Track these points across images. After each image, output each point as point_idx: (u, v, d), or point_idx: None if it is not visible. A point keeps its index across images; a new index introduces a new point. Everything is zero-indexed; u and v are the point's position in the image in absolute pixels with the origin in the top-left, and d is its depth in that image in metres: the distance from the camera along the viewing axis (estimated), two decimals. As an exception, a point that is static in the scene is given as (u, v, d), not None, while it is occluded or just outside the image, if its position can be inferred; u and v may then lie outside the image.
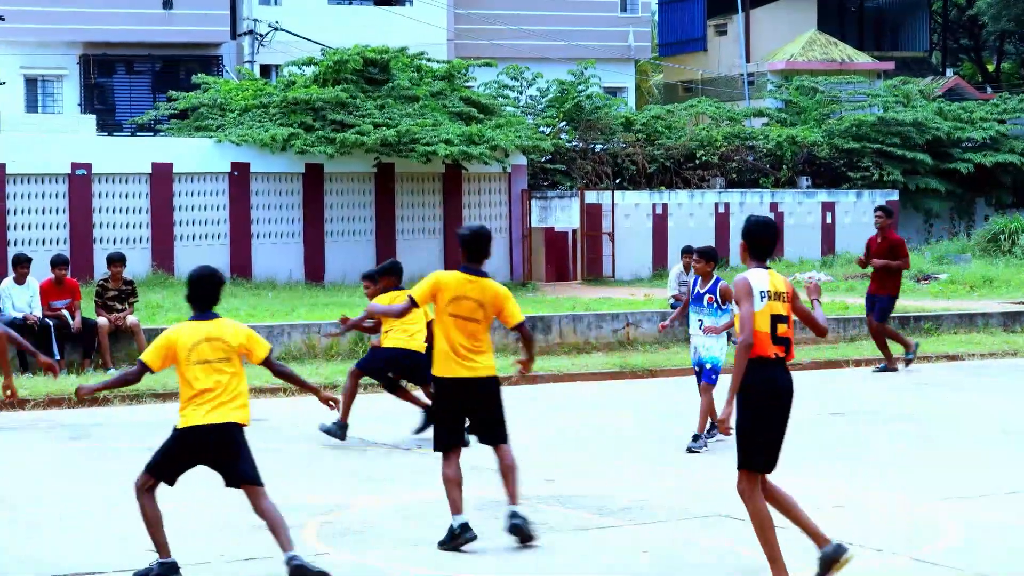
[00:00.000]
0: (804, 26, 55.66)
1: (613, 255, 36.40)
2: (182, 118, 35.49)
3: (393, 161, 32.70)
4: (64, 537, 10.96)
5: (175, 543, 9.90)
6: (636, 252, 36.89)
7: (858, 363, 23.05)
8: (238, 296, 27.60)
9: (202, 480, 12.79)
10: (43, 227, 29.33)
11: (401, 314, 11.06)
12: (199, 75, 36.56)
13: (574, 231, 36.46)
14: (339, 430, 15.33)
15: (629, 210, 37.03)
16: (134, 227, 30.22)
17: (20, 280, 21.07)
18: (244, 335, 9.66)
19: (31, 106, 43.65)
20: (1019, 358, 24.16)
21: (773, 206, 39.03)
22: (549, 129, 39.24)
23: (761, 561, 9.34)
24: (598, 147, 39.87)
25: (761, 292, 9.15)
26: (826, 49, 53.67)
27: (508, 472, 10.72)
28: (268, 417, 17.99)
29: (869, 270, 22.35)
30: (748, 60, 54.29)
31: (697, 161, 40.60)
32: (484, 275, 10.70)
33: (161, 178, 30.52)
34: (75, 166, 29.60)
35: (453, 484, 10.50)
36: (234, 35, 45.74)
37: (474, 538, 10.41)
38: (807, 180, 41.88)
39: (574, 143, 39.72)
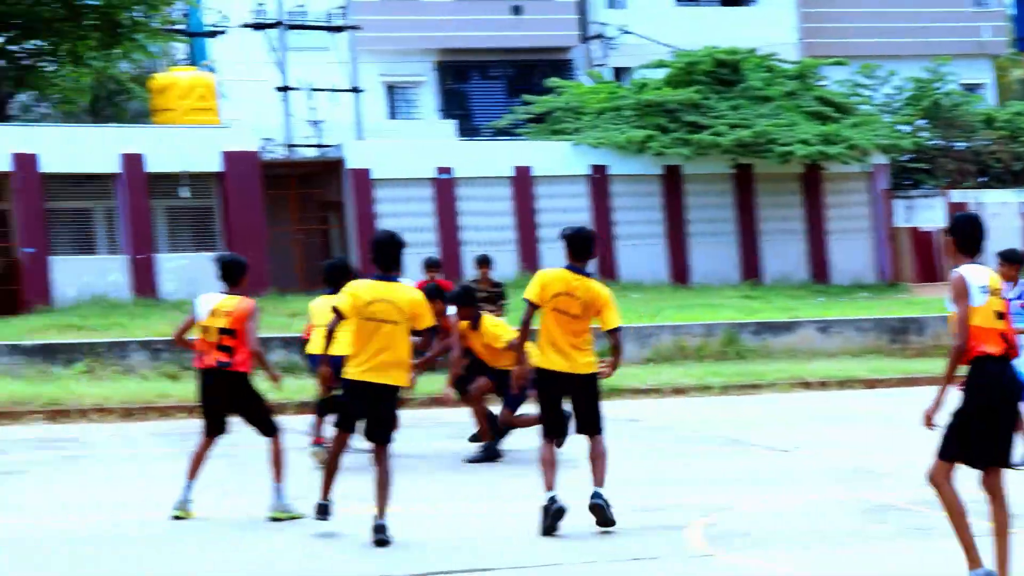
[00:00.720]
0: None
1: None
2: (538, 122, 36.00)
3: (751, 162, 32.51)
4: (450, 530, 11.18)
5: (556, 543, 10.16)
6: (1008, 252, 35.62)
7: None
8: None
9: (576, 481, 12.92)
10: (411, 230, 30.12)
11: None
12: (552, 78, 37.01)
13: (940, 231, 35.60)
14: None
15: (996, 209, 35.93)
16: (499, 229, 30.80)
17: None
18: (416, 302, 10.61)
19: (392, 113, 44.94)
20: None
21: None
22: (907, 128, 38.37)
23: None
24: (959, 145, 38.83)
25: (981, 287, 8.69)
26: None
27: (598, 459, 10.94)
28: (640, 418, 18.16)
29: None
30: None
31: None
32: (588, 275, 10.95)
33: (522, 181, 31.03)
34: (439, 170, 30.35)
35: (548, 465, 10.79)
36: (583, 39, 46.16)
37: (561, 510, 10.60)
38: None
39: (934, 141, 38.78)
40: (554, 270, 10.98)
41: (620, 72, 44.58)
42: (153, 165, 27.42)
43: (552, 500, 10.69)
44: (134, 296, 26.65)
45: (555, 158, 31.61)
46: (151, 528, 11.14)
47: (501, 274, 26.32)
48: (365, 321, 10.64)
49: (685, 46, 36.55)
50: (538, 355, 10.96)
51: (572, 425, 11.18)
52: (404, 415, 14.45)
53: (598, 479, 10.90)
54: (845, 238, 34.20)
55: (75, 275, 26.59)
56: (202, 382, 11.74)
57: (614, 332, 11.01)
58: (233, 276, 11.81)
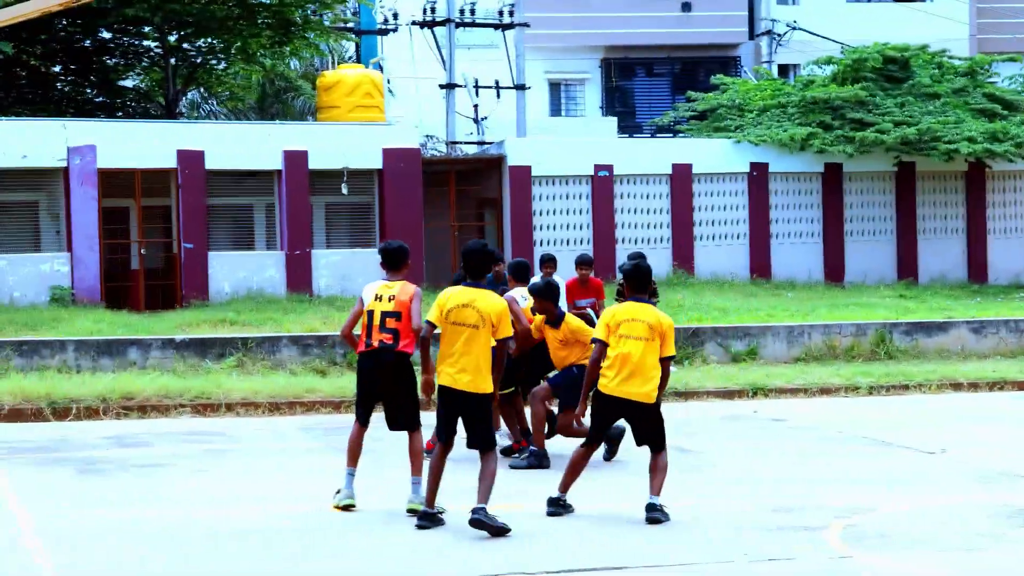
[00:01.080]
0: None
1: None
2: (701, 119, 35.87)
3: (914, 160, 32.02)
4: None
5: (692, 543, 10.15)
6: None
7: None
8: (757, 296, 27.70)
9: (715, 480, 12.92)
10: (567, 227, 30.27)
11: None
12: (717, 76, 36.86)
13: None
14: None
15: None
16: (654, 227, 30.77)
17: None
18: (499, 310, 11.19)
19: (554, 110, 45.10)
20: None
21: None
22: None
23: None
24: None
25: None
26: None
27: (656, 471, 11.53)
28: (786, 417, 18.08)
29: None
30: None
31: None
32: (650, 303, 11.62)
33: (681, 179, 30.95)
34: (597, 167, 30.39)
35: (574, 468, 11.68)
36: (752, 35, 45.86)
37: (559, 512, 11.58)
38: None
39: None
40: (621, 305, 11.68)
41: (786, 69, 44.21)
42: (315, 162, 27.88)
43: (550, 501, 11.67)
44: (288, 292, 27.14)
45: (715, 155, 31.46)
46: (294, 521, 11.47)
47: (654, 272, 26.23)
48: (451, 325, 11.16)
49: (855, 43, 36.10)
50: (604, 381, 11.53)
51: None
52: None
53: (655, 488, 11.54)
54: (1006, 237, 33.49)
55: (232, 270, 27.18)
56: (363, 366, 12.01)
57: (667, 360, 11.55)
58: (396, 262, 12.14)
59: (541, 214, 30.11)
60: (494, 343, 11.33)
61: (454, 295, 11.25)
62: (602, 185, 30.36)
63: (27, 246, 26.45)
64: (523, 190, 29.86)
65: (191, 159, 26.96)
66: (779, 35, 44.44)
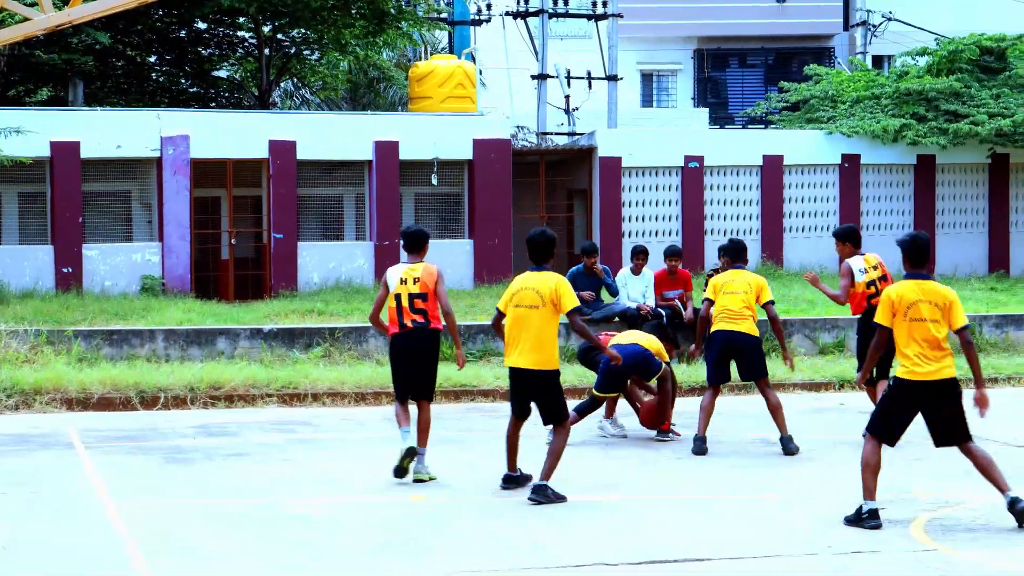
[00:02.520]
0: None
1: None
2: (793, 110, 35.62)
3: (1008, 152, 31.61)
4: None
5: (777, 535, 10.11)
6: None
7: None
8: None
9: (800, 472, 12.87)
10: (656, 219, 30.17)
11: None
12: (810, 67, 36.60)
13: None
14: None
15: None
16: (744, 219, 30.59)
17: (636, 271, 21.75)
18: (553, 286, 11.81)
19: (646, 100, 45.03)
20: None
21: None
22: None
23: None
24: None
25: None
26: None
27: (987, 469, 10.97)
28: (844, 401, 17.99)
29: None
30: None
31: None
32: (930, 278, 11.07)
33: (772, 170, 30.75)
34: (688, 159, 30.26)
35: (870, 469, 10.97)
36: (846, 26, 45.49)
37: (878, 526, 10.73)
38: None
39: None
40: (903, 283, 11.07)
41: (880, 60, 43.81)
42: (406, 152, 27.98)
43: (872, 514, 10.97)
44: (377, 282, 27.23)
45: (806, 147, 31.21)
46: (380, 511, 11.70)
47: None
48: (514, 309, 11.86)
49: (950, 33, 35.68)
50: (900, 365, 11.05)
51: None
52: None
53: (999, 485, 11.07)
54: (1102, 229, 32.98)
55: (321, 260, 27.35)
56: (398, 346, 12.82)
57: (962, 331, 11.06)
58: (416, 245, 13.08)
59: (631, 205, 30.03)
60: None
61: (518, 280, 12.11)
62: (692, 176, 30.23)
63: (119, 236, 26.76)
64: (613, 181, 29.80)
65: (283, 149, 27.16)
66: (874, 26, 44.07)
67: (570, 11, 36.58)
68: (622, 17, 36.43)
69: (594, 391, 15.12)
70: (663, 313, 21.46)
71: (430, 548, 10.32)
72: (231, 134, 27.07)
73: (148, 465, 13.91)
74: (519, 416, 12.26)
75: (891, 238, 31.11)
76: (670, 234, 29.83)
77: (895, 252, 32.52)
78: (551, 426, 12.17)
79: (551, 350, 11.88)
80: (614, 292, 21.41)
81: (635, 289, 21.64)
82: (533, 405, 12.15)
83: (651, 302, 21.58)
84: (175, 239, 26.42)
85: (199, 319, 22.06)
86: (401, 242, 13.19)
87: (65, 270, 25.79)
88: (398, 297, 12.76)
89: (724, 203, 30.51)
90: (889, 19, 43.36)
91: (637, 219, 29.99)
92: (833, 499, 11.95)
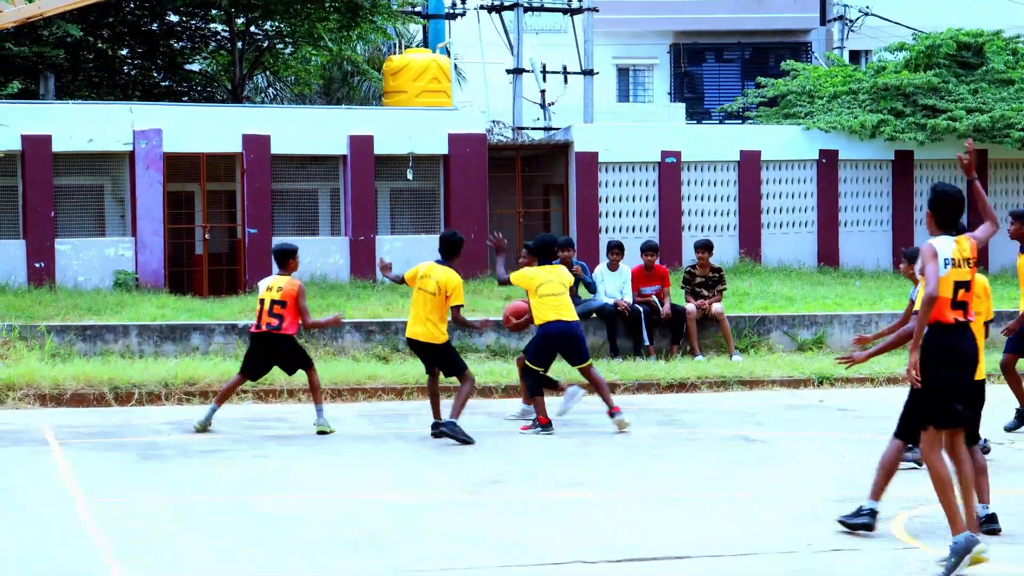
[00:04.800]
0: None
1: None
2: (771, 105, 35.58)
3: (986, 147, 31.61)
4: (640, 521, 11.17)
5: (756, 533, 10.02)
6: None
7: None
8: (824, 284, 27.44)
9: (780, 470, 12.78)
10: (633, 214, 30.06)
11: None
12: (787, 62, 36.56)
13: None
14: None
15: None
16: (721, 215, 30.51)
17: (613, 266, 21.66)
18: (453, 285, 15.26)
19: (622, 95, 44.95)
20: None
21: None
22: None
23: None
24: None
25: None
26: None
27: (978, 474, 10.36)
28: (852, 407, 17.92)
29: None
30: None
31: None
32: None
33: (749, 166, 30.67)
34: (664, 154, 30.15)
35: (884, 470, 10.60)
36: (823, 21, 45.49)
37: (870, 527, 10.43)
38: None
39: None
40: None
41: (857, 55, 43.84)
42: (381, 147, 27.81)
43: (872, 513, 10.64)
44: (352, 277, 27.09)
45: (784, 142, 31.14)
46: (353, 507, 11.60)
47: (720, 260, 26.14)
48: (417, 290, 15.32)
49: (927, 28, 35.68)
50: None
51: None
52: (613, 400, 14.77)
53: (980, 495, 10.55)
54: (1081, 225, 32.96)
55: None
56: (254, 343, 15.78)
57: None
58: (282, 261, 15.89)
59: (607, 200, 29.91)
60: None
61: (427, 266, 15.50)
62: (669, 172, 30.13)
63: (92, 230, 26.53)
64: (589, 176, 29.68)
65: (256, 143, 26.97)
66: (851, 21, 44.09)
67: (545, 5, 36.39)
68: (597, 11, 36.32)
69: (527, 362, 15.84)
70: (640, 310, 21.36)
71: (404, 545, 10.22)
72: (204, 128, 26.86)
73: (122, 462, 13.79)
74: (429, 372, 15.42)
75: (869, 234, 31.21)
76: (647, 230, 29.72)
77: (874, 248, 32.54)
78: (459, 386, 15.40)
79: (437, 327, 15.09)
80: (592, 289, 21.30)
81: (612, 285, 21.55)
82: None
83: (628, 298, 21.49)
84: (148, 234, 26.21)
85: (173, 314, 21.89)
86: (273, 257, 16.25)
87: (37, 265, 25.56)
88: (262, 302, 15.69)
89: (701, 199, 30.42)
90: (866, 14, 43.38)
91: (614, 214, 29.87)
92: (810, 497, 11.89)
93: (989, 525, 10.40)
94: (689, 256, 27.46)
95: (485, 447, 14.78)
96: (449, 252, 15.55)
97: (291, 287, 15.61)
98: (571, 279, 16.18)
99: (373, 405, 18.14)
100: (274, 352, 15.72)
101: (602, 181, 29.87)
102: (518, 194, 30.14)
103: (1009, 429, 15.53)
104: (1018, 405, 15.52)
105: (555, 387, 16.13)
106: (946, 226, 9.71)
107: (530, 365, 15.78)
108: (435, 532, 10.63)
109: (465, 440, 14.70)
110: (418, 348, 15.38)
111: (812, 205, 31.01)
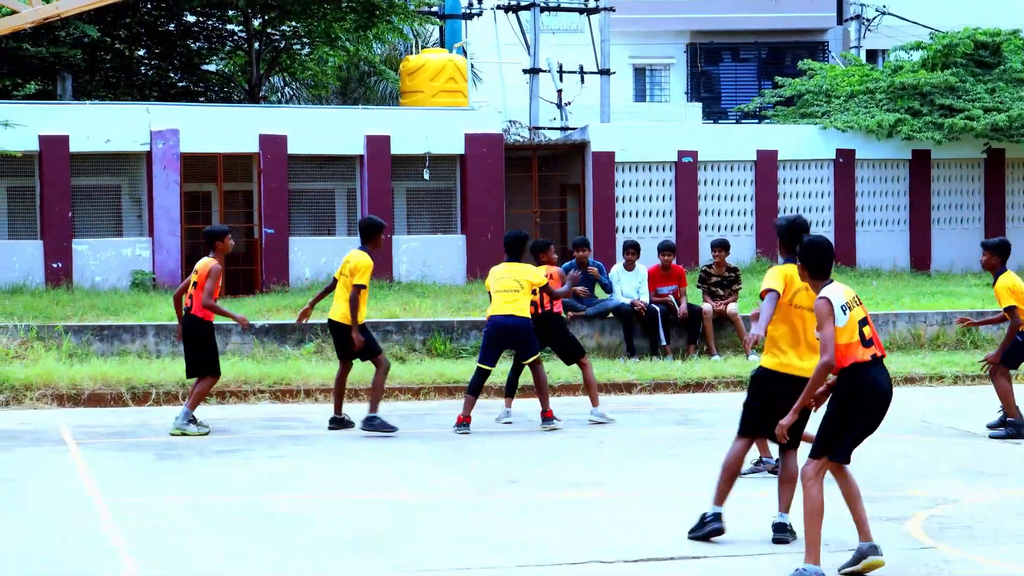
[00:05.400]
0: None
1: None
2: (787, 105, 35.52)
3: (1003, 147, 31.52)
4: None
5: (770, 532, 10.02)
6: None
7: None
8: (860, 283, 27.38)
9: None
10: (650, 214, 30.04)
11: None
12: (804, 61, 36.48)
13: None
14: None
15: None
16: (738, 214, 30.48)
17: (629, 266, 21.65)
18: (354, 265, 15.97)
19: (638, 95, 44.87)
20: None
21: None
22: None
23: None
24: None
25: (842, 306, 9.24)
26: None
27: (790, 482, 10.27)
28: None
29: None
30: None
31: None
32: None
33: (766, 165, 30.62)
34: (681, 154, 30.12)
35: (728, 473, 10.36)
36: (840, 20, 45.38)
37: (720, 531, 10.22)
38: None
39: None
40: (789, 265, 10.29)
41: (874, 54, 43.73)
42: (397, 147, 27.83)
43: (716, 517, 10.36)
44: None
45: (801, 142, 31.09)
46: (362, 507, 11.56)
47: (737, 259, 26.08)
48: (337, 275, 16.17)
49: (945, 28, 35.58)
50: (766, 356, 10.36)
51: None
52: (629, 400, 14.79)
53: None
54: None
55: (312, 255, 27.19)
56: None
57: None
58: (209, 243, 16.12)
59: (624, 200, 29.90)
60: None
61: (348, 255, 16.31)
62: (686, 171, 30.10)
63: (109, 230, 26.61)
64: (606, 176, 29.66)
65: (273, 144, 27.01)
66: (868, 20, 43.96)
67: (562, 4, 36.37)
68: (614, 11, 36.28)
69: (478, 363, 16.15)
70: (657, 309, 21.34)
71: (414, 545, 10.20)
72: (221, 128, 26.92)
73: (139, 461, 13.82)
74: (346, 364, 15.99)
75: (887, 234, 31.14)
76: (664, 229, 29.69)
77: (891, 247, 32.41)
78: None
79: (344, 310, 15.54)
80: (609, 290, 21.30)
81: (628, 285, 21.54)
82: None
83: (645, 298, 21.47)
84: (165, 234, 26.26)
85: (190, 314, 21.86)
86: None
87: (55, 265, 25.63)
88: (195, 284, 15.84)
89: (718, 198, 30.39)
90: (883, 13, 43.26)
91: (630, 214, 29.85)
92: (827, 497, 11.79)
93: (780, 534, 10.26)
94: (706, 256, 27.44)
95: (498, 447, 14.79)
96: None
97: (205, 268, 15.76)
98: (539, 279, 16.09)
99: (390, 405, 18.09)
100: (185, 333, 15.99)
101: (619, 181, 29.85)
102: (535, 194, 30.15)
103: (992, 427, 15.56)
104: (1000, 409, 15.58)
105: (512, 395, 16.74)
106: (822, 276, 9.53)
107: (479, 365, 16.05)
108: (446, 532, 10.59)
109: (388, 428, 15.53)
110: (331, 330, 16.06)
111: (829, 205, 30.96)
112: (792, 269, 10.11)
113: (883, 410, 9.45)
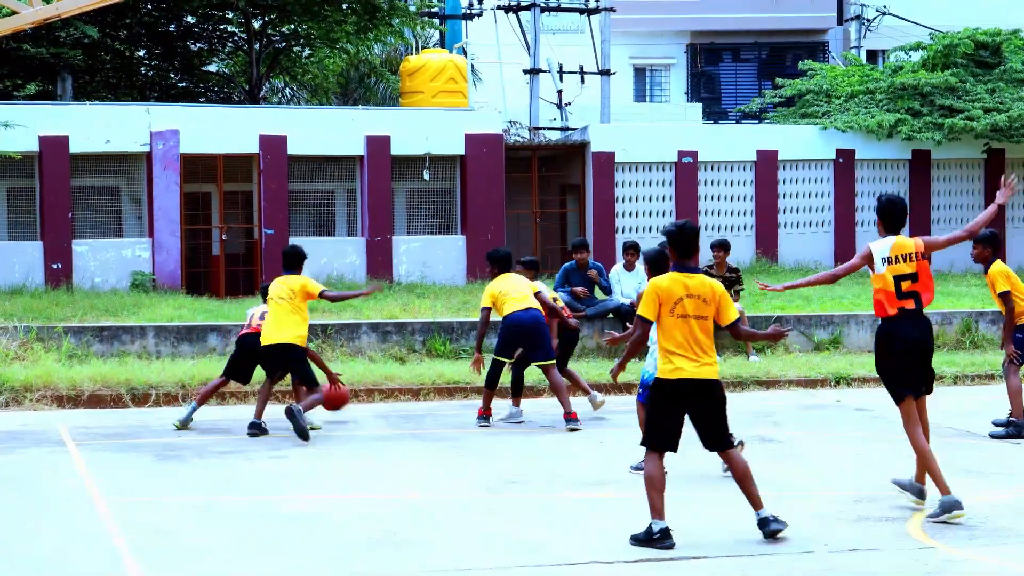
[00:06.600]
0: None
1: None
2: (788, 105, 35.53)
3: (1003, 147, 31.53)
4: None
5: (740, 531, 10.18)
6: None
7: None
8: (841, 284, 27.27)
9: (797, 470, 12.76)
10: (650, 214, 30.05)
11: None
12: (805, 62, 36.50)
13: None
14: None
15: None
16: (738, 214, 30.49)
17: (629, 267, 21.64)
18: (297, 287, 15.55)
19: (639, 96, 44.88)
20: None
21: None
22: None
23: None
24: None
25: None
26: None
27: (743, 479, 10.31)
28: (870, 407, 17.84)
29: None
30: None
31: None
32: (698, 271, 10.30)
33: (766, 165, 30.64)
34: (681, 154, 30.13)
35: (655, 486, 10.13)
36: (840, 20, 45.39)
37: (671, 546, 9.98)
38: None
39: None
40: (664, 277, 10.23)
41: (874, 55, 43.74)
42: (397, 147, 27.83)
43: (664, 533, 10.15)
44: (369, 278, 27.12)
45: (801, 142, 31.11)
46: (368, 508, 11.59)
47: (737, 259, 26.10)
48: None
49: (945, 28, 35.61)
50: (661, 365, 10.28)
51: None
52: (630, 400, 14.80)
53: (753, 500, 10.46)
54: (1094, 224, 32.97)
55: (313, 256, 26.92)
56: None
57: (733, 325, 10.39)
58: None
59: (624, 200, 29.91)
60: None
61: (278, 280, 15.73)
62: (686, 172, 30.11)
63: (109, 231, 26.59)
64: (606, 176, 29.68)
65: (273, 144, 27.00)
66: (868, 20, 43.98)
67: (562, 5, 36.39)
68: (614, 11, 36.30)
69: (494, 355, 16.35)
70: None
71: (420, 545, 10.22)
72: (221, 129, 26.91)
73: (139, 462, 13.82)
74: (270, 376, 15.93)
75: (886, 234, 31.05)
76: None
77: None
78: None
79: (300, 331, 15.42)
80: (608, 292, 21.30)
81: (628, 285, 21.53)
82: None
83: (645, 298, 21.44)
84: (165, 235, 26.25)
85: (190, 315, 21.90)
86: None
87: (55, 266, 25.63)
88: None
89: (718, 198, 30.40)
90: (883, 13, 43.28)
91: (630, 215, 29.86)
92: (827, 497, 11.85)
93: (768, 527, 10.26)
94: (705, 256, 27.41)
95: (499, 447, 14.79)
96: (292, 265, 15.86)
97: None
98: (532, 287, 16.51)
99: (390, 405, 18.12)
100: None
101: (619, 181, 29.86)
102: (535, 194, 30.15)
103: (998, 424, 15.58)
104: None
105: (518, 395, 16.79)
106: (894, 230, 11.14)
107: (496, 357, 16.29)
108: (454, 532, 10.62)
109: (303, 431, 15.24)
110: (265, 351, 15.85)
111: (829, 205, 30.98)
112: (665, 280, 10.13)
113: (913, 354, 11.00)
